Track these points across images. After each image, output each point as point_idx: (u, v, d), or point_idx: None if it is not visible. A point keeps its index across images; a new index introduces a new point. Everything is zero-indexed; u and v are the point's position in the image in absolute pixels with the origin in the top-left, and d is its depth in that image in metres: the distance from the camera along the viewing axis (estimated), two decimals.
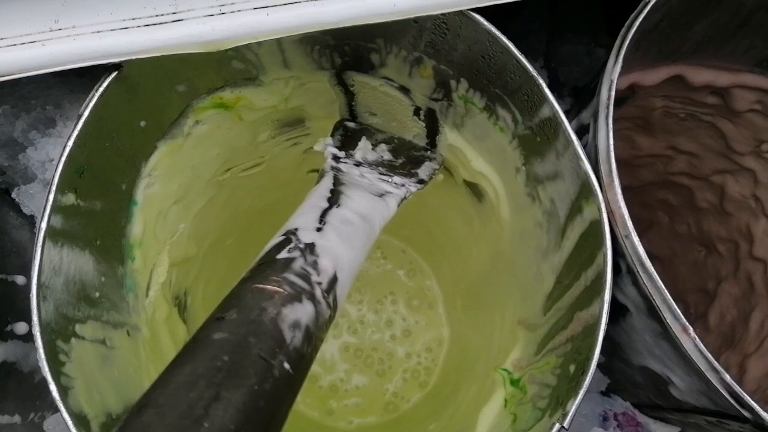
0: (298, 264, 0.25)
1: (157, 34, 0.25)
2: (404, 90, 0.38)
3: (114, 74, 0.27)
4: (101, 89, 0.27)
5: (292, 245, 0.26)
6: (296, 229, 0.28)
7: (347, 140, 0.37)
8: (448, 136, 0.41)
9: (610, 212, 0.26)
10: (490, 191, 0.41)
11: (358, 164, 0.35)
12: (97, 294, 0.30)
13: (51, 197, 0.25)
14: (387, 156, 0.37)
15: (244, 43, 0.26)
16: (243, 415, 0.18)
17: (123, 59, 0.26)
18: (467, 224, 0.50)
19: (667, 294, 0.24)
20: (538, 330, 0.35)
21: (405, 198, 0.34)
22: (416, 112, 0.41)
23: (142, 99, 0.30)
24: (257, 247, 0.57)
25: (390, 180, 0.35)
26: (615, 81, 0.27)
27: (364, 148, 0.37)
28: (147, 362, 0.35)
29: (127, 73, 0.28)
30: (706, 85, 0.44)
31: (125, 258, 0.34)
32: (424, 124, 0.42)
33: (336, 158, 0.35)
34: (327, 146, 0.36)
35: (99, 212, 0.30)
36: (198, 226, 0.43)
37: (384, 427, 0.60)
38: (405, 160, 0.38)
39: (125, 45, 0.25)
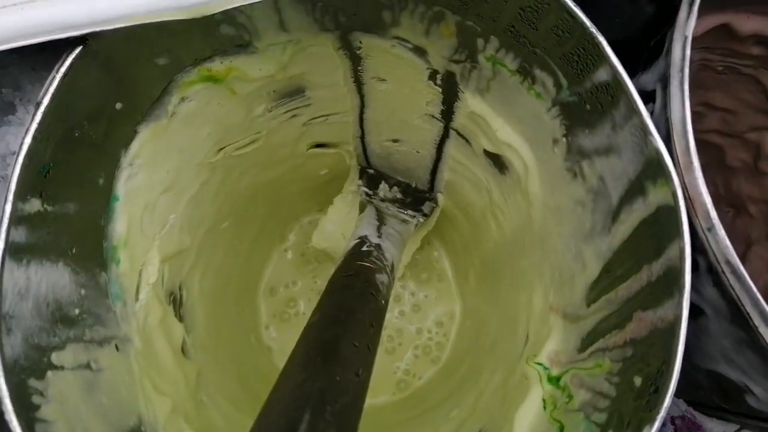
0: (374, 254, 0.38)
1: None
2: (419, 51, 0.33)
3: (78, 50, 0.22)
4: (63, 69, 0.21)
5: (367, 244, 0.40)
6: (366, 236, 0.41)
7: (370, 182, 0.50)
8: (470, 102, 0.36)
9: (687, 199, 0.22)
10: (518, 163, 0.36)
11: (382, 200, 0.49)
12: (77, 311, 0.26)
13: (8, 208, 0.20)
14: (399, 195, 0.50)
15: (238, 4, 0.21)
16: (369, 320, 0.30)
17: (86, 31, 0.21)
18: (484, 196, 0.46)
19: (761, 299, 0.20)
20: (580, 322, 0.32)
21: (416, 225, 0.50)
22: (432, 76, 0.36)
23: (115, 77, 0.25)
24: (254, 230, 0.53)
25: (405, 212, 0.49)
26: (690, 37, 0.22)
27: (384, 189, 0.50)
28: (141, 377, 0.31)
29: (95, 48, 0.23)
30: (753, 34, 0.39)
31: (108, 262, 0.29)
32: (440, 90, 0.37)
33: (368, 195, 0.50)
34: (361, 187, 0.50)
35: (73, 215, 0.25)
36: (191, 215, 0.38)
37: (397, 406, 0.57)
38: (412, 199, 0.51)
39: (87, 14, 0.19)
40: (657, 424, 0.20)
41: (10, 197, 0.20)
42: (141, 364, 0.31)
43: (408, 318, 0.60)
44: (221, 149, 0.38)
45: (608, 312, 0.28)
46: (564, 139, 0.30)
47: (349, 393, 0.24)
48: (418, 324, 0.60)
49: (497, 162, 0.39)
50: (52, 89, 0.21)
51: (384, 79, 0.38)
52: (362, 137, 0.49)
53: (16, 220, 0.21)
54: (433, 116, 0.41)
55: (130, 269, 0.31)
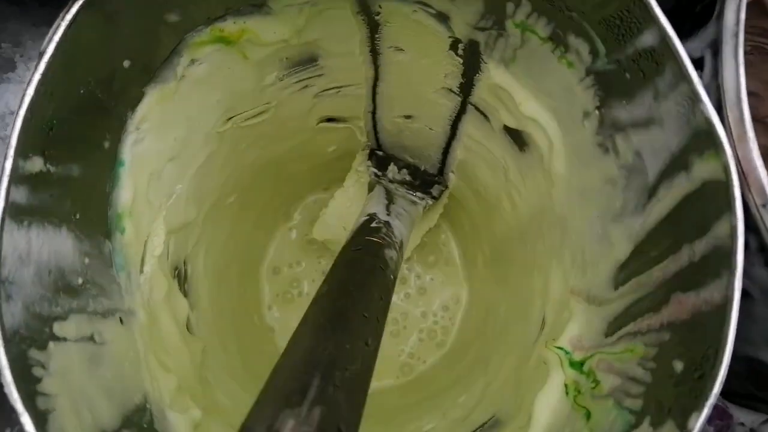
0: (383, 231, 0.38)
1: None
2: (442, 17, 0.32)
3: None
4: (68, 17, 0.20)
5: (376, 221, 0.40)
6: (375, 213, 0.41)
7: (379, 164, 0.50)
8: (493, 74, 0.34)
9: (740, 173, 0.20)
10: (541, 140, 0.35)
11: (390, 181, 0.49)
12: (80, 280, 0.24)
13: (8, 164, 0.19)
14: (408, 178, 0.49)
15: None
16: (378, 293, 0.30)
17: None
18: (499, 175, 0.45)
19: None
20: (606, 306, 0.30)
21: (425, 207, 0.49)
22: (453, 45, 0.34)
23: (123, 33, 0.24)
24: (259, 206, 0.52)
25: (414, 194, 0.48)
26: (745, 0, 0.20)
27: (393, 171, 0.49)
28: (146, 352, 0.29)
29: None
30: None
31: (113, 231, 0.28)
32: (461, 60, 0.35)
33: (377, 176, 0.49)
34: (369, 167, 0.49)
35: (77, 178, 0.24)
36: (197, 186, 0.37)
37: (401, 390, 0.57)
38: (420, 181, 0.50)
39: None
40: (706, 411, 0.19)
41: (11, 153, 0.19)
42: (145, 339, 0.29)
43: (413, 301, 0.59)
44: (230, 119, 0.36)
45: (640, 294, 0.27)
46: (596, 112, 0.28)
47: (359, 361, 0.24)
48: (424, 307, 0.59)
49: (518, 139, 0.38)
50: (56, 38, 0.19)
51: (402, 49, 0.37)
52: (373, 112, 0.47)
53: (17, 178, 0.19)
54: (450, 90, 0.39)
55: (135, 239, 0.29)
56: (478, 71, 0.35)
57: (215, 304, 0.43)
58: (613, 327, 0.29)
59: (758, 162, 0.20)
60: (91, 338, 0.24)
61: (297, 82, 0.38)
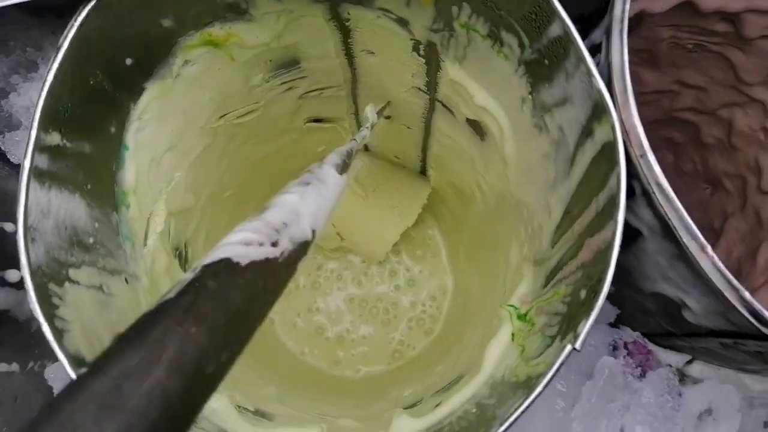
0: None
1: None
2: (402, 22, 0.37)
3: (93, 2, 0.25)
4: (80, 19, 0.25)
5: None
6: None
7: None
8: (449, 71, 0.39)
9: (624, 132, 0.25)
10: (494, 127, 0.39)
11: None
12: (91, 240, 0.29)
13: (33, 134, 0.24)
14: None
15: None
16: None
17: None
18: (469, 167, 0.49)
19: (685, 213, 0.23)
20: (545, 263, 0.35)
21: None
22: (415, 47, 0.39)
23: (125, 34, 0.29)
24: (255, 201, 0.57)
25: None
26: None
27: None
28: None
29: (107, 2, 0.26)
30: (717, 11, 0.42)
31: (119, 205, 0.33)
32: (423, 61, 0.40)
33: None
34: None
35: (88, 155, 0.29)
36: (195, 176, 0.41)
37: (391, 374, 0.60)
38: None
39: None
40: (592, 317, 0.23)
41: (35, 125, 0.24)
42: (148, 300, 0.34)
43: (403, 291, 0.63)
44: (222, 116, 0.41)
45: (567, 247, 0.31)
46: (530, 96, 0.33)
47: None
48: (413, 297, 0.63)
49: (478, 129, 0.43)
50: (70, 35, 0.25)
51: (372, 52, 0.42)
52: (356, 114, 0.52)
53: (40, 147, 0.24)
54: (419, 89, 0.44)
55: (138, 215, 0.34)
56: (439, 69, 0.40)
57: None
58: (549, 279, 0.33)
59: (637, 121, 0.24)
60: (100, 288, 0.29)
61: (282, 83, 0.43)
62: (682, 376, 0.36)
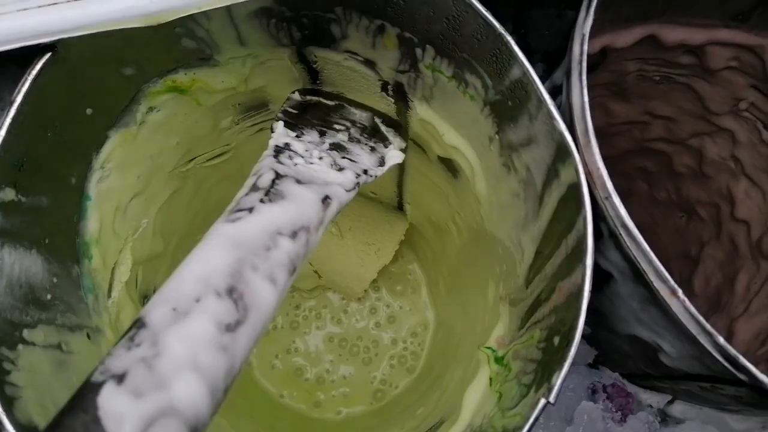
0: None
1: (89, 8, 0.22)
2: (369, 64, 0.37)
3: (47, 56, 0.25)
4: (34, 72, 0.24)
5: None
6: None
7: None
8: (418, 110, 0.39)
9: (588, 173, 0.25)
10: (465, 166, 0.39)
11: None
12: (49, 296, 0.28)
13: None
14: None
15: (187, 12, 0.24)
16: None
17: (55, 38, 0.24)
18: (444, 203, 0.49)
19: (653, 256, 0.23)
20: (520, 304, 0.34)
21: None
22: (384, 87, 0.39)
23: (85, 84, 0.28)
24: None
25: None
26: (587, 35, 0.25)
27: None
28: None
29: (64, 55, 0.26)
30: (680, 44, 0.43)
31: (81, 257, 0.32)
32: (393, 100, 0.40)
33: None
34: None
35: (46, 209, 0.28)
36: (164, 221, 0.41)
37: (373, 415, 0.59)
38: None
39: (55, 22, 0.23)
40: (565, 369, 0.22)
41: None
42: None
43: (383, 328, 0.62)
44: (191, 159, 0.41)
45: (541, 289, 0.31)
46: (497, 136, 0.33)
47: None
48: (394, 334, 0.62)
49: (450, 167, 0.42)
50: (24, 89, 0.24)
51: (342, 92, 0.41)
52: None
53: None
54: None
55: (102, 266, 0.33)
56: (408, 108, 0.40)
57: None
58: (524, 321, 0.32)
59: (600, 164, 0.24)
60: (58, 346, 0.28)
61: (252, 125, 0.43)
62: (664, 417, 0.35)
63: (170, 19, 0.24)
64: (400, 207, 0.61)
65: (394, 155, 0.36)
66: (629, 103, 0.50)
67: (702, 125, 0.50)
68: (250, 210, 0.24)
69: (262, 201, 0.25)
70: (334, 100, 0.36)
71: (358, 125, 0.36)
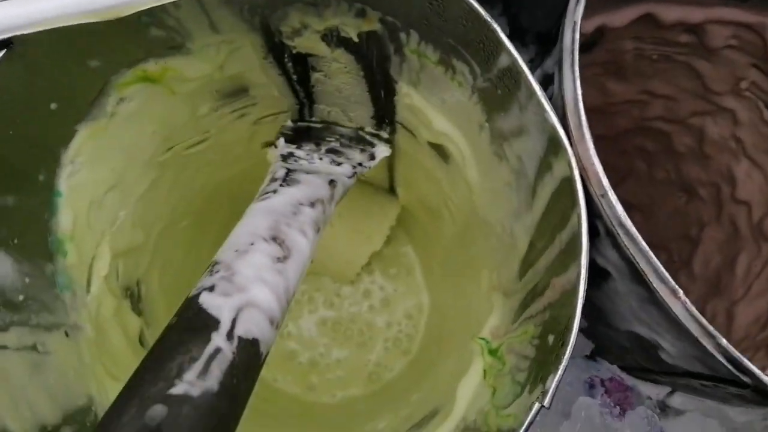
0: None
1: (39, 4, 0.21)
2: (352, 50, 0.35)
3: (2, 53, 0.23)
4: None
5: None
6: None
7: None
8: (406, 95, 0.37)
9: (582, 169, 0.23)
10: (455, 152, 0.38)
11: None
12: (21, 297, 0.27)
13: None
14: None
15: (146, 6, 0.22)
16: None
17: (8, 35, 0.22)
18: (436, 187, 0.48)
19: (653, 256, 0.21)
20: (514, 296, 0.33)
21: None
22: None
23: (47, 79, 0.27)
24: (216, 228, 0.54)
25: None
26: (579, 23, 0.23)
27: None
28: (93, 362, 0.32)
29: (22, 51, 0.24)
30: (679, 23, 0.41)
31: (55, 254, 0.30)
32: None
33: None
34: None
35: (12, 208, 0.27)
36: (143, 212, 0.39)
37: (368, 398, 0.59)
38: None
39: (6, 19, 0.21)
40: (560, 373, 0.21)
41: None
42: (93, 351, 0.32)
43: (377, 311, 0.61)
44: (170, 148, 0.39)
45: (535, 282, 0.30)
46: (487, 124, 0.31)
47: None
48: (388, 317, 0.61)
49: (441, 152, 0.41)
50: None
51: (327, 76, 0.40)
52: None
53: None
54: None
55: (78, 262, 0.32)
56: (395, 93, 0.38)
57: None
58: (518, 314, 0.31)
59: (595, 159, 0.22)
60: (34, 348, 0.27)
61: (232, 111, 0.41)
62: (664, 408, 0.34)
63: (127, 14, 0.22)
64: (392, 190, 0.59)
65: (382, 150, 0.41)
66: (627, 82, 0.49)
67: (702, 104, 0.48)
68: (274, 192, 0.31)
69: (282, 185, 0.32)
70: (321, 124, 0.42)
71: (346, 137, 0.41)
